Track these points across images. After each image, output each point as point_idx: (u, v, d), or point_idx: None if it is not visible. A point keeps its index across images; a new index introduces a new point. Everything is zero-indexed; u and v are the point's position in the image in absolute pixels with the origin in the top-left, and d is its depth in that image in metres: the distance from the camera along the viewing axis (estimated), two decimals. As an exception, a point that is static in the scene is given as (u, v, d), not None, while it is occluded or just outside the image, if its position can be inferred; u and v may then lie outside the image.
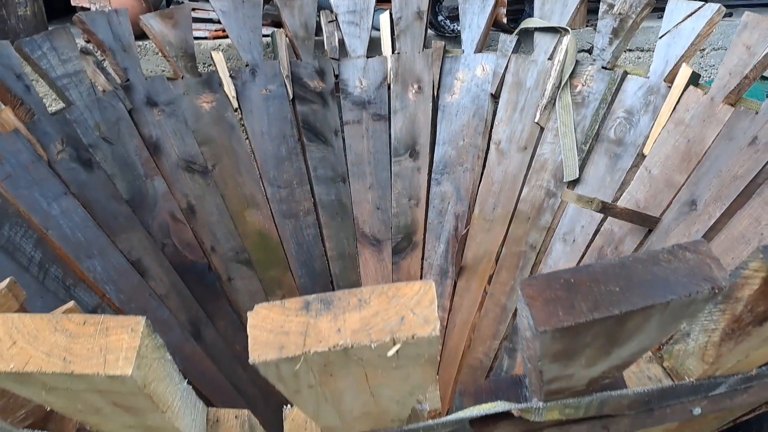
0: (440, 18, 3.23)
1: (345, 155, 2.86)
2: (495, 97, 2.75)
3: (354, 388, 0.69)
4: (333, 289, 2.77)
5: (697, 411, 0.98)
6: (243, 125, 2.74)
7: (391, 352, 0.61)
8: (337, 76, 2.90)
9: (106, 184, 2.34)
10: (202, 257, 2.52)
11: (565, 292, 0.66)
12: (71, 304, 1.20)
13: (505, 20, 3.02)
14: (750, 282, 0.72)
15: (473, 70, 2.81)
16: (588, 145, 2.48)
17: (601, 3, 2.55)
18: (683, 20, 2.33)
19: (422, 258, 2.80)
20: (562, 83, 2.56)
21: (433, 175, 2.83)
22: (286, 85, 2.79)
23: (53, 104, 2.54)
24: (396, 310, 0.62)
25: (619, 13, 2.49)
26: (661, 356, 0.94)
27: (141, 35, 2.82)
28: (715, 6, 2.26)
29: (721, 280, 0.66)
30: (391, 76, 2.89)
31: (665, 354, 0.92)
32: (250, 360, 0.61)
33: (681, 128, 2.24)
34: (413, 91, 2.86)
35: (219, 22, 3.08)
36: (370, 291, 0.64)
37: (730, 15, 4.09)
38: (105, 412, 0.73)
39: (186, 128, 2.61)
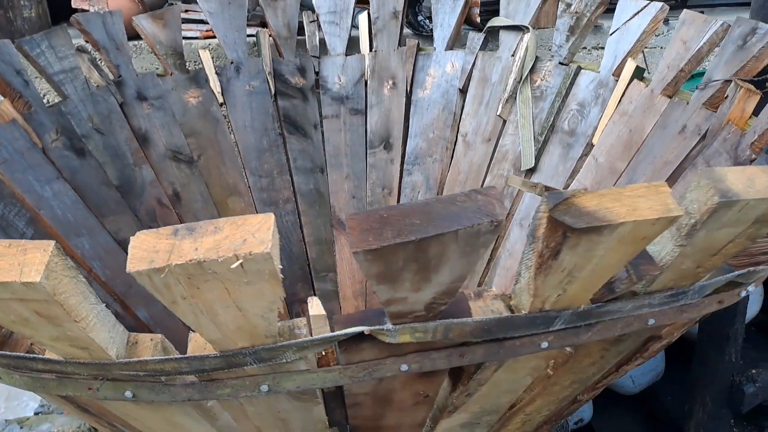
0: (420, 18, 3.41)
1: (323, 147, 3.06)
2: (463, 91, 2.93)
3: (221, 301, 0.88)
4: (310, 272, 2.97)
5: (545, 344, 1.16)
6: (227, 119, 2.95)
7: (234, 265, 0.80)
8: (317, 73, 3.10)
9: (97, 171, 2.56)
10: (186, 239, 2.72)
11: (378, 224, 0.85)
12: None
13: (478, 20, 3.19)
14: (542, 222, 0.90)
15: (443, 66, 2.99)
16: (544, 136, 2.65)
17: (560, 2, 2.72)
18: (631, 18, 2.50)
19: (394, 243, 2.98)
20: (523, 78, 2.73)
21: (405, 166, 3.01)
22: (268, 82, 2.99)
23: (55, 100, 2.75)
24: (241, 235, 0.82)
25: (576, 12, 2.66)
26: (509, 296, 1.12)
27: (137, 36, 3.04)
28: (659, 4, 2.43)
29: (500, 215, 0.85)
30: (368, 73, 3.08)
31: (512, 294, 1.10)
32: (127, 269, 0.80)
33: (624, 119, 2.40)
34: (388, 87, 3.05)
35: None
36: (225, 221, 0.83)
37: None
38: (32, 323, 0.92)
39: (174, 121, 2.83)
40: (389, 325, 1.02)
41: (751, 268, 1.23)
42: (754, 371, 2.63)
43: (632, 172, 2.28)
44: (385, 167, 3.04)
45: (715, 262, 1.11)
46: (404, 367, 1.12)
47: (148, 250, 0.81)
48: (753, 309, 3.15)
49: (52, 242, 0.84)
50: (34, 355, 1.06)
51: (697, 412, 2.66)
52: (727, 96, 2.01)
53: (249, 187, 2.93)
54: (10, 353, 1.08)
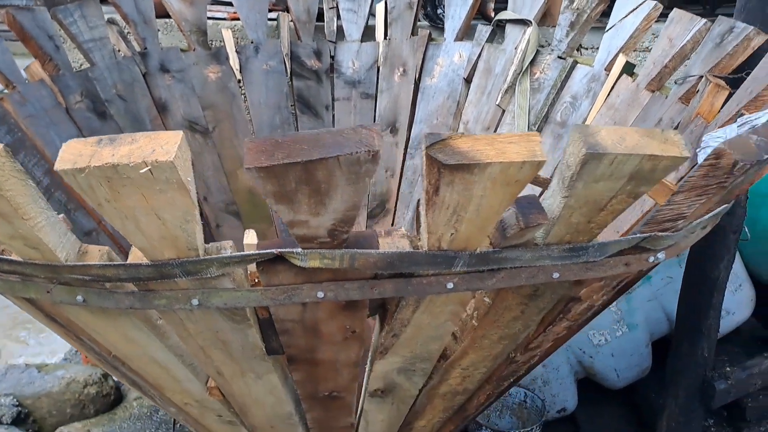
0: (439, 11, 3.55)
1: (333, 128, 3.21)
2: (468, 81, 3.05)
3: (141, 208, 1.04)
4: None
5: (450, 285, 1.28)
6: (244, 95, 3.14)
7: (143, 171, 0.96)
8: (332, 57, 3.26)
9: (116, 134, 2.76)
10: (195, 204, 2.91)
11: (271, 147, 0.99)
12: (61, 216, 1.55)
13: (493, 14, 3.30)
14: (424, 160, 1.03)
15: (452, 56, 3.11)
16: (537, 126, 2.75)
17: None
18: (626, 15, 2.58)
19: (392, 223, 3.12)
20: (523, 70, 2.83)
21: (408, 150, 3.14)
22: (285, 62, 3.17)
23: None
24: (152, 146, 0.97)
25: (577, 8, 2.75)
26: (417, 237, 1.24)
27: (167, 14, 3.25)
28: (653, 3, 2.50)
29: (377, 146, 0.98)
30: (381, 60, 3.23)
31: (419, 234, 1.23)
32: (55, 168, 0.96)
33: (611, 112, 2.49)
34: (399, 74, 3.19)
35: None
36: (141, 135, 0.98)
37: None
38: (-10, 218, 1.09)
39: (192, 93, 3.03)
40: (299, 249, 1.15)
41: (654, 233, 1.32)
42: (728, 369, 2.67)
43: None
44: (390, 150, 3.18)
45: (605, 218, 1.21)
46: (320, 294, 1.26)
47: (74, 154, 0.97)
48: (744, 313, 3.18)
49: (2, 145, 1.01)
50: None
51: (670, 405, 2.72)
52: (698, 90, 2.08)
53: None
54: (-20, 254, 1.26)
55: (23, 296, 1.33)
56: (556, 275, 1.32)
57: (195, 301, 1.25)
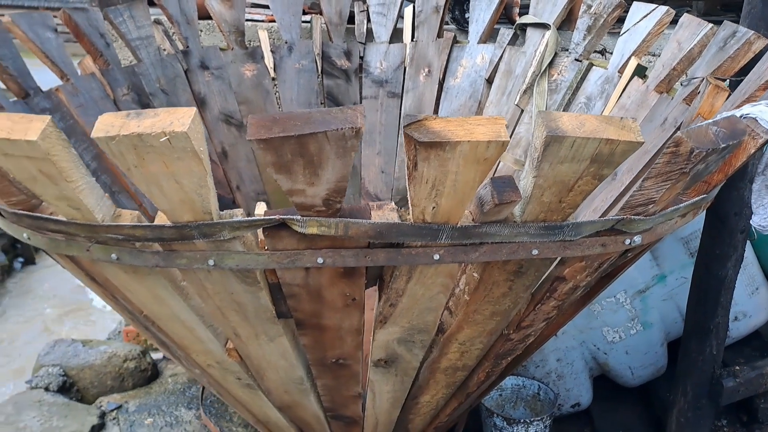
0: (467, 15, 3.68)
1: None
2: (489, 82, 3.19)
3: (162, 174, 1.22)
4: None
5: (437, 257, 1.43)
6: (277, 92, 3.33)
7: (163, 139, 1.13)
8: (362, 58, 3.43)
9: (158, 124, 2.99)
10: (228, 193, 3.12)
11: (270, 123, 1.16)
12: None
13: (517, 18, 3.43)
14: (403, 139, 1.18)
15: (474, 58, 3.26)
16: (553, 126, 2.87)
17: (582, 4, 2.93)
18: (640, 20, 2.69)
19: (414, 215, 3.27)
20: (541, 71, 2.96)
21: (432, 146, 3.29)
22: (316, 62, 3.36)
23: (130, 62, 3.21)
24: (170, 120, 1.14)
25: (594, 13, 2.87)
26: (405, 211, 1.39)
27: (209, 16, 3.47)
28: (665, 8, 2.61)
29: (359, 123, 1.14)
30: (408, 61, 3.39)
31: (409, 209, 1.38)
32: (91, 136, 1.15)
33: (622, 112, 2.60)
34: (424, 74, 3.35)
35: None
36: (162, 110, 1.16)
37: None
38: (39, 181, 1.29)
39: (229, 89, 3.23)
40: (298, 216, 1.32)
41: (627, 216, 1.45)
42: (737, 367, 2.74)
43: (618, 160, 2.48)
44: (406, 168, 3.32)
45: (574, 198, 1.35)
46: (320, 260, 1.42)
47: (106, 125, 1.15)
48: (762, 316, 3.23)
49: (49, 117, 1.20)
50: (47, 216, 1.44)
51: (680, 401, 2.80)
52: (699, 92, 2.19)
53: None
54: (34, 213, 1.46)
55: (66, 254, 1.53)
56: (535, 252, 1.46)
57: (211, 262, 1.42)
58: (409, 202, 1.32)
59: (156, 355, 3.86)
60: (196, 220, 1.34)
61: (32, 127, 1.19)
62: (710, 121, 1.41)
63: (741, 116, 1.52)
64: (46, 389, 3.47)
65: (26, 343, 6.35)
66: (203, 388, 3.16)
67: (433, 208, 1.32)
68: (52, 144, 1.21)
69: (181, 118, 1.14)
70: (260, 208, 1.53)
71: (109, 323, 6.15)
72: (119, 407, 3.40)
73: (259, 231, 1.41)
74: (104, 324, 6.44)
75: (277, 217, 1.32)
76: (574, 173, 1.27)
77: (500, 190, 1.31)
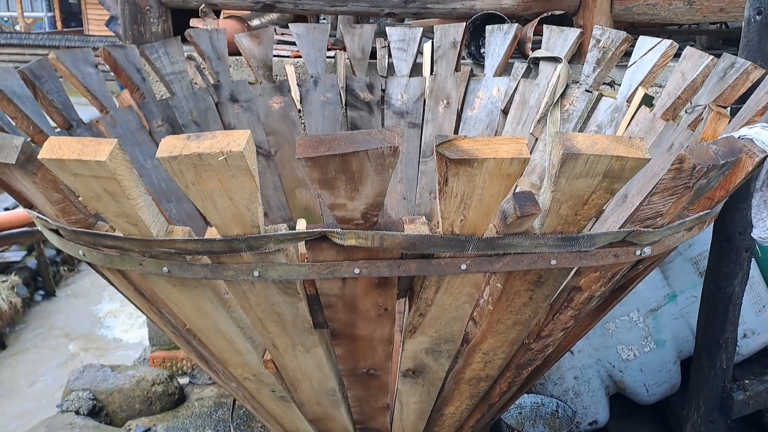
0: (482, 50, 3.85)
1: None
2: (504, 112, 3.33)
3: (218, 190, 1.36)
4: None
5: (464, 267, 1.55)
6: (303, 123, 3.49)
7: (221, 158, 1.28)
8: (383, 90, 3.60)
9: (190, 155, 3.15)
10: (256, 219, 3.26)
11: (317, 143, 1.30)
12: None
13: (530, 53, 3.59)
14: (435, 157, 1.32)
15: (491, 90, 3.41)
16: (566, 152, 3.00)
17: (591, 38, 3.09)
18: (646, 53, 2.84)
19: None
20: (554, 102, 3.11)
21: (450, 174, 3.43)
22: (340, 95, 3.52)
23: (164, 95, 3.38)
24: (227, 141, 1.29)
25: (603, 46, 3.02)
26: (436, 225, 1.52)
27: (239, 52, 3.66)
28: (669, 42, 2.76)
29: (397, 143, 1.28)
30: (427, 93, 3.55)
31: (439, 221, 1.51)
32: (156, 156, 1.29)
33: (632, 139, 2.73)
34: (443, 106, 3.50)
35: (300, 44, 3.87)
36: (220, 132, 1.30)
37: None
38: (103, 199, 1.43)
39: (258, 121, 3.40)
40: (338, 229, 1.46)
41: (637, 229, 1.58)
42: (747, 381, 2.82)
43: (629, 184, 2.60)
44: (434, 174, 3.45)
45: (588, 211, 1.47)
46: (357, 270, 1.55)
47: (170, 146, 1.30)
48: (769, 334, 3.31)
49: (116, 140, 1.35)
50: (104, 233, 1.58)
51: (693, 416, 2.88)
52: (702, 118, 2.32)
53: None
54: (92, 231, 1.60)
55: (120, 268, 1.67)
56: (553, 262, 1.58)
57: (256, 273, 1.55)
58: (439, 215, 1.45)
59: (183, 380, 3.98)
60: (245, 233, 1.47)
61: (101, 149, 1.33)
62: (711, 141, 1.54)
63: (739, 137, 1.64)
64: (77, 413, 3.59)
65: (48, 374, 6.48)
66: (233, 407, 3.26)
67: (462, 220, 1.44)
68: (118, 164, 1.35)
69: (237, 140, 1.28)
70: (301, 224, 1.66)
71: (132, 353, 6.28)
72: (148, 430, 3.51)
73: (301, 245, 1.54)
74: (126, 354, 6.57)
75: (319, 229, 1.46)
76: (588, 188, 1.40)
77: (522, 204, 1.44)
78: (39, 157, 1.34)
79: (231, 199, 1.38)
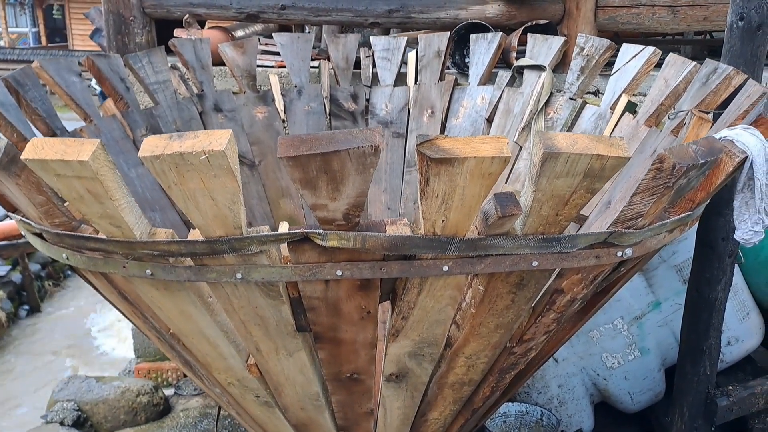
0: (467, 60, 3.88)
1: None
2: (489, 121, 3.36)
3: (200, 190, 1.36)
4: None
5: (446, 268, 1.56)
6: (287, 132, 3.50)
7: (203, 158, 1.28)
8: (368, 100, 3.61)
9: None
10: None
11: (298, 143, 1.31)
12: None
13: (514, 62, 3.62)
14: (416, 156, 1.33)
15: (475, 99, 3.43)
16: (550, 160, 3.02)
17: (575, 46, 3.12)
18: (629, 60, 2.87)
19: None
20: (538, 110, 3.13)
21: (435, 183, 3.44)
22: (324, 104, 3.53)
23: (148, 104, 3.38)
24: (209, 140, 1.29)
25: (587, 54, 3.06)
26: (417, 226, 1.53)
27: (222, 61, 3.66)
28: (652, 49, 2.79)
29: (378, 142, 1.29)
30: (411, 102, 3.57)
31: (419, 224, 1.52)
32: (138, 155, 1.29)
33: (614, 146, 2.75)
34: (427, 115, 3.52)
35: (285, 54, 3.88)
36: (201, 132, 1.31)
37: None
38: (86, 200, 1.42)
39: (242, 131, 3.40)
40: (320, 230, 1.46)
41: (618, 230, 1.59)
42: (730, 387, 2.84)
43: (613, 190, 2.63)
44: (418, 184, 3.48)
45: (569, 211, 1.49)
46: (339, 272, 1.55)
47: (152, 146, 1.30)
48: (753, 340, 3.34)
49: (99, 140, 1.35)
50: (88, 235, 1.57)
51: (677, 422, 2.89)
52: (685, 123, 2.35)
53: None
54: (75, 233, 1.60)
55: (103, 271, 1.66)
56: (535, 263, 1.59)
57: (239, 275, 1.55)
58: (421, 216, 1.46)
59: (168, 391, 3.94)
60: (227, 234, 1.47)
61: (84, 149, 1.33)
62: (691, 141, 1.56)
63: (720, 138, 1.67)
64: (61, 423, 3.55)
65: (35, 390, 6.39)
66: (218, 417, 3.24)
67: (443, 221, 1.45)
68: (100, 164, 1.35)
69: (219, 139, 1.28)
70: (284, 227, 1.66)
71: (118, 366, 6.22)
72: (132, 440, 3.47)
73: (283, 247, 1.54)
74: (112, 368, 6.50)
75: (301, 230, 1.46)
76: (569, 187, 1.41)
77: (503, 204, 1.45)
78: (22, 157, 1.34)
79: (213, 200, 1.38)
